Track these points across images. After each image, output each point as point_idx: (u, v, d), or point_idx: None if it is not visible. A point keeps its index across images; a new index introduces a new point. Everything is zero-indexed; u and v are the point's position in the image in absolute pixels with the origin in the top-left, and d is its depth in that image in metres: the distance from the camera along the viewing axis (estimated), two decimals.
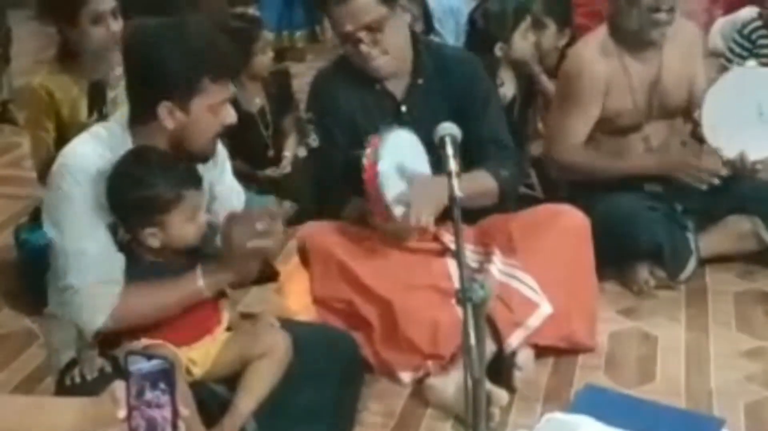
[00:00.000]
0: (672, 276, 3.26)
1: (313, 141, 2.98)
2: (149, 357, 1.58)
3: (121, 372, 2.10)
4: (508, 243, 2.86)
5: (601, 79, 3.26)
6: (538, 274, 2.77)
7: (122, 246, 2.24)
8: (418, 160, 2.76)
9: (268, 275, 3.41)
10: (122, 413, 1.58)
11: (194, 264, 2.25)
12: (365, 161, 2.63)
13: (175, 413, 1.57)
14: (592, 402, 2.55)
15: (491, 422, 2.45)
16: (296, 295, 3.32)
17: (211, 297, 2.30)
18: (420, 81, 2.89)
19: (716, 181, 3.22)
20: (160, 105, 2.18)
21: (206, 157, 2.31)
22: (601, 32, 3.36)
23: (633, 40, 3.27)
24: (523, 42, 3.81)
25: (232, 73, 2.27)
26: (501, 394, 2.54)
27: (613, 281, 3.25)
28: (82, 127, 3.24)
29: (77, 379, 2.21)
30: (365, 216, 2.83)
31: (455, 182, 2.18)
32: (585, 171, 3.30)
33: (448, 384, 2.63)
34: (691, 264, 3.28)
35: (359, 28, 2.75)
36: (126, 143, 2.24)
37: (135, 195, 2.16)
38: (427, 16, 4.73)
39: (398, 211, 2.66)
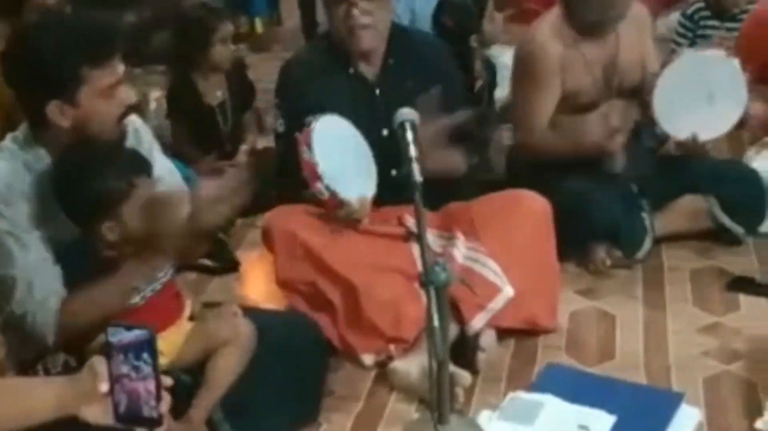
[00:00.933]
0: (628, 255, 3.30)
1: (280, 126, 3.00)
2: (128, 328, 1.55)
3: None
4: (471, 228, 2.89)
5: (555, 59, 3.30)
6: (500, 258, 2.80)
7: (75, 246, 2.22)
8: (353, 140, 2.79)
9: (229, 265, 3.43)
10: (104, 387, 1.54)
11: None
12: (302, 158, 2.65)
13: (159, 384, 1.55)
14: (555, 381, 2.59)
15: (455, 403, 2.47)
16: (258, 284, 3.35)
17: (168, 288, 2.30)
18: (391, 61, 2.94)
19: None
20: (48, 106, 2.13)
21: (118, 141, 2.27)
22: (552, 15, 3.39)
23: (589, 26, 3.31)
24: (491, 25, 3.85)
25: (110, 53, 2.17)
26: (464, 376, 2.57)
27: (571, 261, 3.27)
28: None
29: (41, 374, 2.20)
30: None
31: (415, 167, 2.20)
32: (548, 154, 3.32)
33: (412, 367, 2.65)
34: (647, 243, 3.32)
35: None
36: (36, 152, 2.21)
37: (86, 191, 2.13)
38: None
39: (350, 196, 2.70)
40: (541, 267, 2.90)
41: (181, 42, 3.98)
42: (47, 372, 2.19)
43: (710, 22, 4.39)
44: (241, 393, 2.33)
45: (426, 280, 2.20)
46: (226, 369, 2.32)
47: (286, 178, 3.00)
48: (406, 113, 2.33)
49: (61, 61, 2.10)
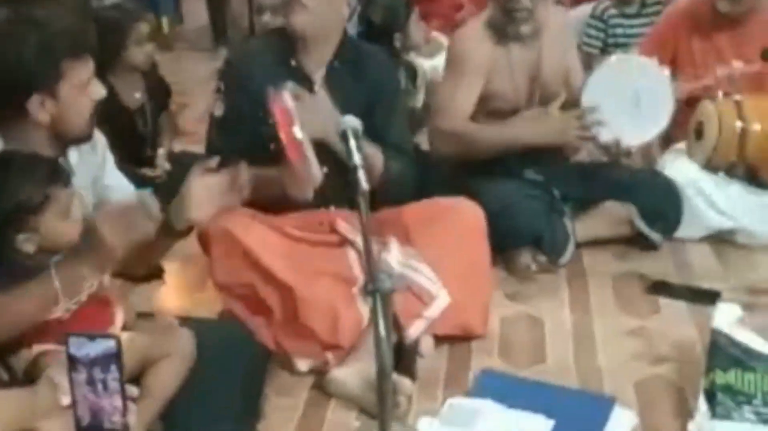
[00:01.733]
0: (552, 260, 3.38)
1: (218, 110, 2.98)
2: (90, 337, 1.49)
3: (16, 380, 2.03)
4: (404, 235, 2.90)
5: (484, 57, 3.37)
6: (435, 265, 2.82)
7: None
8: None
9: (153, 272, 3.35)
10: (65, 400, 1.50)
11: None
12: (278, 105, 2.57)
13: (125, 396, 1.50)
14: (490, 386, 2.63)
15: (398, 411, 2.47)
16: (184, 290, 3.30)
17: (97, 297, 2.24)
18: (336, 64, 2.93)
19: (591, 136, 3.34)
20: (30, 101, 2.11)
21: (85, 138, 2.27)
22: (483, 16, 3.47)
23: (503, 29, 3.38)
24: (416, 30, 3.89)
25: (89, 46, 2.20)
26: (406, 383, 2.57)
27: (497, 266, 3.32)
28: None
29: None
30: (267, 188, 2.73)
31: (361, 175, 2.20)
32: (469, 140, 3.36)
33: (350, 375, 2.65)
34: (570, 248, 3.40)
35: None
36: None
37: (0, 204, 2.07)
38: None
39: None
40: (475, 275, 2.93)
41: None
42: None
43: (617, 20, 4.52)
44: (179, 405, 2.28)
45: (371, 287, 2.20)
46: (166, 382, 2.26)
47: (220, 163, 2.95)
48: (349, 121, 2.32)
49: (44, 54, 2.09)
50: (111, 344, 1.47)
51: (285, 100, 2.60)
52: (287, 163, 2.60)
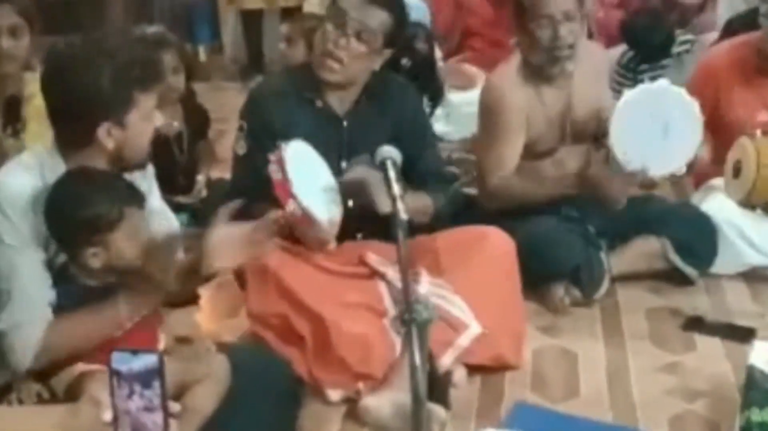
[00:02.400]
0: (587, 294, 3.36)
1: (240, 149, 2.99)
2: (134, 353, 1.49)
3: (57, 399, 2.06)
4: (435, 264, 2.91)
5: (521, 108, 3.37)
6: (466, 295, 2.83)
7: (59, 272, 2.20)
8: (320, 168, 2.78)
9: (189, 298, 3.38)
10: (107, 416, 1.49)
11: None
12: (275, 179, 2.59)
13: (166, 413, 1.49)
14: (524, 419, 2.63)
15: None
16: (220, 316, 3.32)
17: (144, 320, 2.27)
18: (364, 98, 2.96)
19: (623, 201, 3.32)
20: (99, 128, 2.16)
21: (143, 164, 2.34)
22: (513, 62, 3.47)
23: (541, 71, 3.38)
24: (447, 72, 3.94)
25: (159, 78, 2.27)
26: (440, 412, 2.58)
27: (530, 299, 3.31)
28: None
29: (15, 405, 2.15)
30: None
31: (400, 205, 2.21)
32: (513, 200, 3.37)
33: (383, 404, 2.65)
34: (605, 283, 3.39)
35: (344, 21, 2.80)
36: (58, 169, 2.20)
37: (77, 214, 2.12)
38: None
39: (322, 216, 2.65)
40: (507, 304, 2.94)
41: None
42: (21, 404, 2.14)
43: (644, 66, 4.54)
44: (214, 429, 2.30)
45: (408, 317, 2.21)
46: (200, 406, 2.27)
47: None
48: (387, 151, 2.34)
49: (119, 86, 2.14)
50: (153, 359, 1.46)
51: (282, 152, 2.60)
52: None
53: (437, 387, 2.68)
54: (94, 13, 5.68)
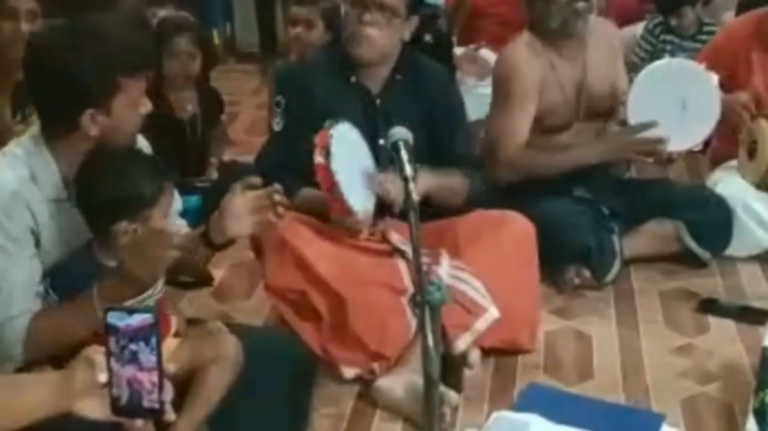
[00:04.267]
0: (598, 277, 3.35)
1: (277, 125, 2.98)
2: (129, 312, 1.45)
3: None
4: (455, 247, 2.91)
5: (535, 77, 3.37)
6: (484, 277, 2.82)
7: (81, 256, 2.18)
8: (363, 152, 2.80)
9: (202, 279, 3.40)
10: (103, 377, 1.46)
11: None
12: (318, 162, 2.63)
13: (162, 372, 1.46)
14: (537, 401, 2.62)
15: (443, 422, 2.47)
16: (233, 298, 3.32)
17: (160, 303, 2.27)
18: (398, 77, 2.96)
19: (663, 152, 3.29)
20: (83, 114, 2.10)
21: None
22: (525, 36, 3.47)
23: (557, 37, 3.39)
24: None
25: (146, 64, 2.19)
26: (452, 395, 2.58)
27: (543, 282, 3.28)
28: (5, 130, 3.18)
29: None
30: (316, 208, 2.80)
31: (412, 186, 2.21)
32: (530, 168, 3.36)
33: (396, 385, 2.66)
34: (616, 266, 3.38)
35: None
36: (44, 159, 2.16)
37: (117, 191, 2.09)
38: None
39: (358, 208, 2.69)
40: (524, 289, 2.93)
41: None
42: None
43: (669, 37, 4.51)
44: (226, 411, 2.31)
45: (421, 299, 2.21)
46: (213, 387, 2.29)
47: (275, 176, 2.95)
48: (399, 132, 2.34)
49: (104, 71, 2.08)
50: (149, 317, 1.43)
51: (328, 138, 2.63)
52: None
53: (451, 369, 2.69)
54: None
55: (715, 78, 3.31)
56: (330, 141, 2.64)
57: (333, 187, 2.63)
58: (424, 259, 2.85)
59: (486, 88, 3.81)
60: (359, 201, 2.71)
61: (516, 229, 2.96)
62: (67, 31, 2.18)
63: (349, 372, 2.76)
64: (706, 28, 4.54)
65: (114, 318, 1.46)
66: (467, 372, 2.71)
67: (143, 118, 2.22)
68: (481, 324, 2.75)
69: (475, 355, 2.76)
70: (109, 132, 2.14)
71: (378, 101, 2.96)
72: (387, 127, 2.85)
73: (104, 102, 2.11)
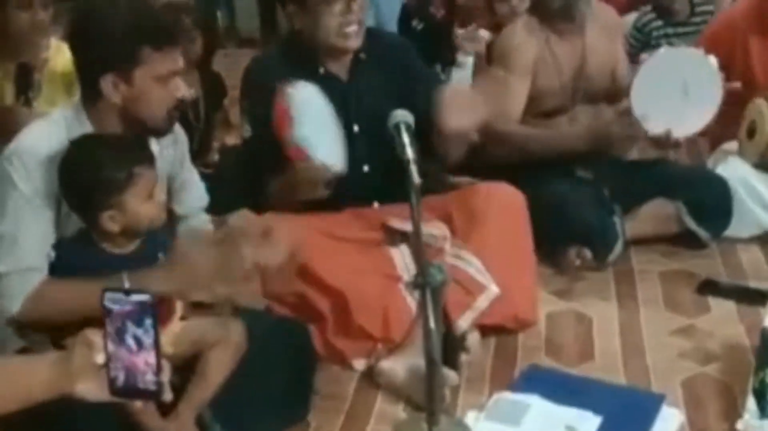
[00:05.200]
0: (600, 258, 3.36)
1: (246, 131, 2.93)
2: (126, 293, 1.46)
3: None
4: (449, 225, 2.92)
5: (530, 56, 3.40)
6: (481, 254, 2.83)
7: (82, 238, 2.21)
8: (326, 114, 2.74)
9: None
10: (100, 358, 1.47)
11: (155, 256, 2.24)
12: (278, 106, 2.59)
13: (159, 353, 1.46)
14: (538, 382, 2.63)
15: (443, 403, 2.49)
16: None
17: None
18: (362, 56, 2.92)
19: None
20: (103, 78, 2.16)
21: (161, 131, 2.31)
22: (524, 17, 3.52)
23: (558, 20, 3.41)
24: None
25: (173, 42, 2.22)
26: (452, 375, 2.59)
27: (544, 263, 3.31)
28: (7, 111, 3.19)
29: None
30: (289, 197, 2.78)
31: (413, 169, 2.22)
32: (520, 142, 3.39)
33: (398, 367, 2.67)
34: (618, 247, 3.38)
35: None
36: (83, 126, 2.23)
37: (86, 178, 2.13)
38: None
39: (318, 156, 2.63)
40: (520, 261, 2.95)
41: None
42: None
43: (663, 31, 4.50)
44: (230, 393, 2.32)
45: (422, 281, 2.23)
46: (216, 369, 2.30)
47: (253, 183, 2.93)
48: (401, 115, 2.35)
49: (126, 37, 2.14)
50: (146, 297, 1.43)
51: (286, 96, 2.59)
52: (290, 163, 2.61)
53: (450, 349, 2.70)
54: None
55: (714, 61, 3.32)
56: (290, 89, 2.59)
57: (289, 127, 2.55)
58: (431, 240, 2.85)
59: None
60: (321, 151, 2.61)
61: (506, 200, 2.98)
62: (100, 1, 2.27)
63: (358, 363, 2.77)
64: (698, 9, 4.53)
65: (110, 299, 1.46)
66: (465, 355, 2.71)
67: (177, 102, 2.25)
68: (482, 302, 2.77)
69: (473, 338, 2.77)
70: (133, 103, 2.19)
71: (348, 87, 2.92)
72: (361, 112, 2.87)
73: (125, 69, 2.16)
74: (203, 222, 2.61)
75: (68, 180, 2.16)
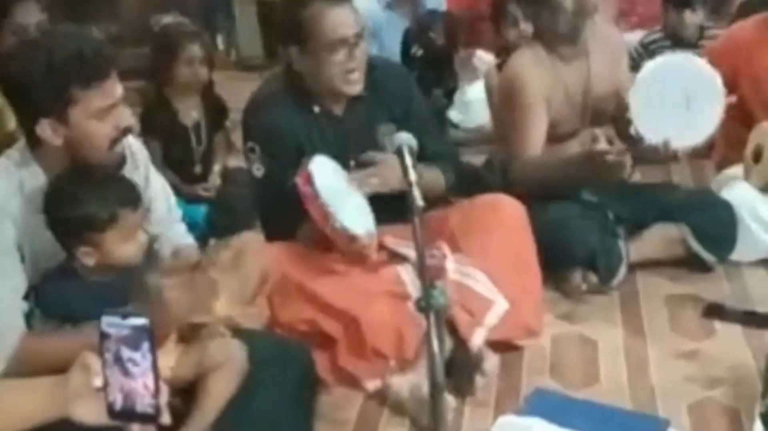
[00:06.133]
0: (604, 281, 3.34)
1: (257, 170, 2.94)
2: (124, 316, 1.46)
3: None
4: (451, 239, 2.92)
5: (542, 87, 3.37)
6: (486, 267, 2.83)
7: (65, 268, 2.19)
8: (342, 178, 2.80)
9: None
10: (98, 382, 1.47)
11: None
12: (304, 194, 2.64)
13: (157, 377, 1.46)
14: (543, 405, 2.60)
15: (446, 426, 2.46)
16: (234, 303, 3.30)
17: None
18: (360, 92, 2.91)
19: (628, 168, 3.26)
20: (39, 125, 2.11)
21: (111, 164, 2.23)
22: (528, 47, 3.49)
23: (562, 43, 3.39)
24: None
25: (102, 75, 2.13)
26: (449, 399, 2.55)
27: (549, 286, 3.30)
28: (10, 137, 3.18)
29: None
30: (321, 239, 2.79)
31: (416, 192, 2.21)
32: (538, 180, 3.35)
33: (403, 385, 2.67)
34: (622, 270, 3.36)
35: (358, 32, 2.77)
36: (33, 171, 2.18)
37: (68, 213, 2.12)
38: None
39: (359, 230, 2.70)
40: (524, 271, 2.96)
41: (149, 59, 3.96)
42: None
43: (668, 51, 4.50)
44: (232, 416, 2.30)
45: (425, 305, 2.21)
46: (218, 392, 2.29)
47: (273, 219, 2.97)
48: (404, 138, 2.34)
49: (48, 81, 2.07)
50: (143, 321, 1.43)
51: (309, 176, 2.62)
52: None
53: (463, 372, 2.68)
54: (109, 2, 5.70)
55: (718, 75, 3.27)
56: (313, 179, 2.63)
57: (329, 221, 2.63)
58: (430, 260, 2.84)
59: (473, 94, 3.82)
60: (358, 223, 2.70)
61: (507, 212, 2.99)
62: (25, 43, 2.21)
63: (371, 385, 2.75)
64: (707, 33, 4.54)
65: (107, 324, 1.46)
66: (480, 379, 2.69)
67: (121, 131, 2.18)
68: (491, 318, 2.77)
69: (491, 362, 2.75)
70: (75, 143, 2.13)
71: (344, 123, 2.93)
72: (356, 146, 2.87)
73: (59, 112, 2.09)
74: (180, 236, 2.55)
75: (52, 209, 2.14)
